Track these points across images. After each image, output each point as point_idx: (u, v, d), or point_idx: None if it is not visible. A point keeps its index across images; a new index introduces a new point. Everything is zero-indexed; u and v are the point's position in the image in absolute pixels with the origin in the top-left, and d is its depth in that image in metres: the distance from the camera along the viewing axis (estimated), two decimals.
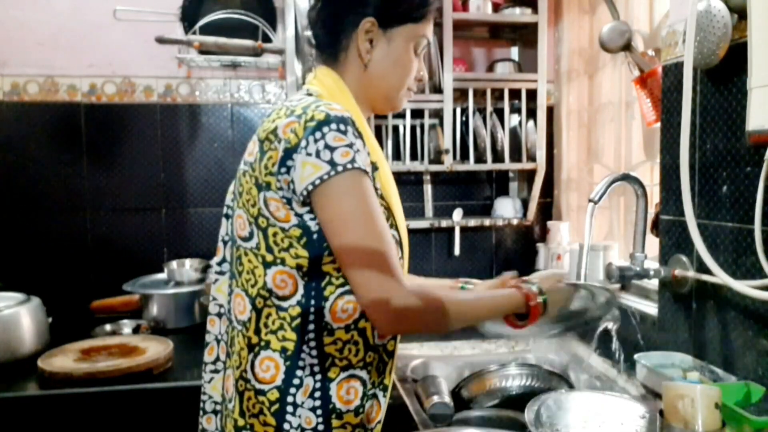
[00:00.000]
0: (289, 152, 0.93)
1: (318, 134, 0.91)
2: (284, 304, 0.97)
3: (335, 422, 0.98)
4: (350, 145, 0.92)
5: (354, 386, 1.00)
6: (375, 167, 0.99)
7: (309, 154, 0.91)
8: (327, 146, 0.91)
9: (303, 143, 0.92)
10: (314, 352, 0.97)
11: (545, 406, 1.19)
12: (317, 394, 0.97)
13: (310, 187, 0.91)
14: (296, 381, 0.97)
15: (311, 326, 0.97)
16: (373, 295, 0.92)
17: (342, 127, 0.92)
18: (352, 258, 0.92)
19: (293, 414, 0.97)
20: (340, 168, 0.91)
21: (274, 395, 0.97)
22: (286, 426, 0.97)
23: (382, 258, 0.92)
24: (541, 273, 1.27)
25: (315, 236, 0.95)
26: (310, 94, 1.03)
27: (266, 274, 0.97)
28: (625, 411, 1.21)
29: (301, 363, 0.97)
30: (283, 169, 0.93)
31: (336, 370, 0.99)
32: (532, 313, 1.08)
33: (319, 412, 0.97)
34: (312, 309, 0.97)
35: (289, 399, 0.97)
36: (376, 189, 0.98)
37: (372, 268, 0.92)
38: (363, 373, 1.01)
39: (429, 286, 1.25)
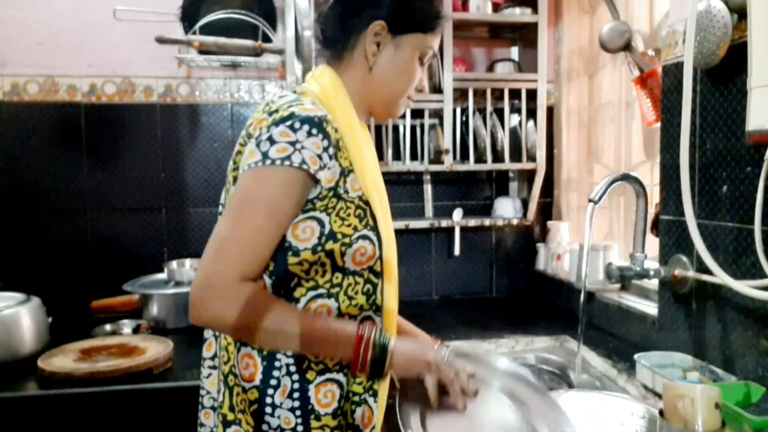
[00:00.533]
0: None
1: (273, 128, 0.93)
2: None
3: (314, 423, 0.98)
4: (293, 143, 0.92)
5: (331, 389, 1.00)
6: (347, 171, 0.99)
7: (256, 144, 0.93)
8: (270, 138, 0.93)
9: (257, 134, 0.94)
10: (289, 352, 0.98)
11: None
12: (296, 395, 0.97)
13: (241, 171, 0.94)
14: (273, 381, 0.97)
15: None
16: (195, 280, 0.91)
17: (297, 124, 0.93)
18: (213, 244, 0.92)
19: (272, 415, 0.97)
20: (268, 161, 0.91)
21: (254, 395, 0.98)
22: (264, 426, 0.97)
23: (226, 250, 0.91)
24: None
25: None
26: (295, 92, 1.04)
27: None
28: (625, 411, 1.21)
29: (277, 363, 0.97)
30: None
31: (313, 373, 0.99)
32: (352, 364, 0.96)
33: (298, 413, 0.97)
34: None
35: (268, 400, 0.97)
36: (340, 194, 0.97)
37: (212, 257, 0.91)
38: (339, 376, 1.00)
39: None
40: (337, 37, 1.09)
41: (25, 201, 2.21)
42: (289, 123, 0.93)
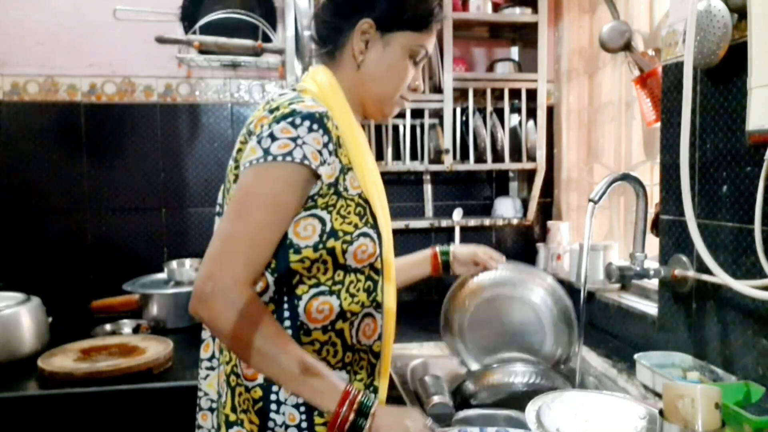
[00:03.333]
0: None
1: (275, 125, 0.93)
2: (262, 300, 0.98)
3: (317, 419, 0.98)
4: (294, 139, 0.92)
5: None
6: (346, 168, 0.99)
7: (258, 141, 0.93)
8: (271, 135, 0.93)
9: (258, 131, 0.94)
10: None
11: (546, 406, 1.19)
12: None
13: (242, 168, 0.93)
14: None
15: (287, 323, 0.98)
16: (198, 275, 0.91)
17: (297, 120, 0.93)
18: (212, 243, 0.92)
19: (277, 411, 0.97)
20: (270, 157, 0.91)
21: (258, 393, 0.98)
22: (270, 424, 0.97)
23: (231, 249, 0.91)
24: (462, 248, 1.26)
25: None
26: (294, 90, 1.05)
27: None
28: (625, 411, 1.21)
29: None
30: None
31: None
32: (331, 420, 0.92)
33: (302, 409, 0.97)
34: (285, 306, 0.98)
35: (273, 396, 0.97)
36: (340, 192, 0.98)
37: (216, 256, 0.91)
38: (342, 374, 1.01)
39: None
40: (328, 36, 1.09)
41: (25, 201, 2.21)
42: (290, 119, 0.93)
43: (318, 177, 0.95)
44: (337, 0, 1.08)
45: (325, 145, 0.95)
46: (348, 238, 0.98)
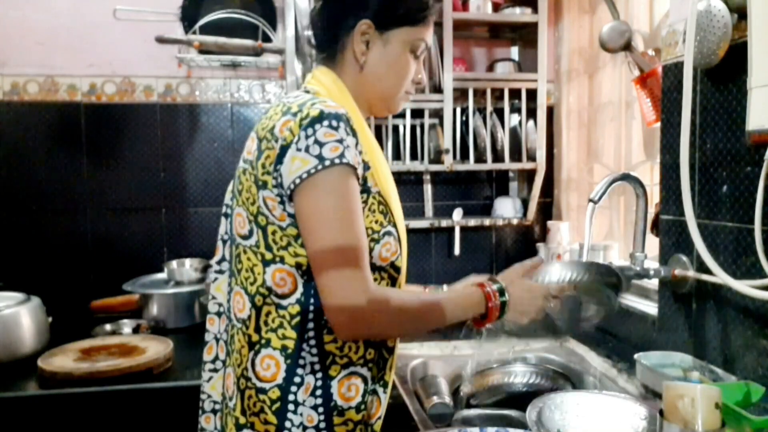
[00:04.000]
0: (284, 150, 0.93)
1: (310, 130, 0.92)
2: (284, 303, 0.98)
3: (337, 419, 0.98)
4: (340, 141, 0.92)
5: (355, 383, 1.00)
6: (367, 166, 0.99)
7: (299, 150, 0.92)
8: (317, 141, 0.92)
9: (296, 139, 0.93)
10: (314, 351, 0.98)
11: (546, 407, 1.19)
12: (318, 392, 0.98)
13: (297, 181, 0.92)
14: (297, 379, 0.97)
15: (311, 324, 0.98)
16: (334, 300, 0.91)
17: (334, 122, 0.93)
18: (322, 261, 0.92)
19: (294, 412, 0.97)
20: (327, 162, 0.91)
21: (276, 393, 0.97)
22: (287, 424, 0.97)
23: (350, 261, 0.92)
24: (516, 267, 1.21)
25: None
26: (307, 92, 1.04)
27: (265, 272, 0.98)
28: (625, 411, 1.21)
29: (301, 361, 0.97)
30: (278, 166, 0.94)
31: (337, 368, 0.99)
32: (489, 314, 1.07)
33: (320, 410, 0.97)
34: (311, 308, 0.98)
35: (291, 397, 0.97)
36: (368, 189, 0.99)
37: (338, 272, 0.91)
38: (364, 370, 1.01)
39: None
40: (327, 41, 1.09)
41: (25, 201, 2.21)
42: (326, 122, 0.93)
43: (358, 178, 0.96)
44: (330, 5, 1.09)
45: (356, 145, 0.95)
46: (376, 236, 0.98)
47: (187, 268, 2.14)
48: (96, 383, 1.53)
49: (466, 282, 1.22)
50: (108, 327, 1.97)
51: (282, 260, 0.97)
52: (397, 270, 1.04)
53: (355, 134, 0.95)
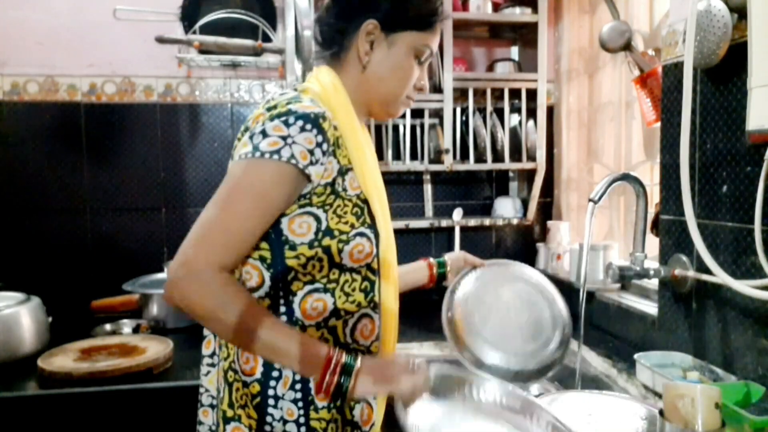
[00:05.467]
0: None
1: (268, 123, 0.94)
2: (255, 296, 0.98)
3: (313, 414, 0.98)
4: (285, 137, 0.93)
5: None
6: (346, 169, 1.00)
7: (250, 137, 0.94)
8: (263, 131, 0.93)
9: (253, 128, 0.95)
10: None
11: (546, 406, 1.19)
12: (298, 386, 0.98)
13: (231, 163, 0.95)
14: (275, 373, 0.98)
15: (284, 318, 0.98)
16: (175, 258, 0.92)
17: (291, 120, 0.93)
18: (195, 228, 0.93)
19: (275, 407, 0.98)
20: (258, 154, 0.92)
21: (256, 388, 0.98)
22: (268, 419, 0.98)
23: (207, 235, 0.92)
24: (451, 254, 1.20)
25: (272, 228, 0.96)
26: (296, 90, 1.05)
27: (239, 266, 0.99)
28: (625, 411, 1.21)
29: None
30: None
31: None
32: (316, 387, 0.93)
33: (300, 404, 0.98)
34: (281, 303, 0.98)
35: (270, 392, 0.98)
36: (338, 192, 0.98)
37: (191, 241, 0.92)
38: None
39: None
40: (332, 39, 1.09)
41: (25, 201, 2.21)
42: (284, 118, 0.94)
43: (307, 177, 0.95)
44: (340, 2, 1.08)
45: (319, 145, 0.95)
46: (344, 237, 0.98)
47: None
48: (96, 383, 1.52)
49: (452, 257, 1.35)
50: (108, 327, 1.97)
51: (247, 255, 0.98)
52: (374, 272, 1.03)
53: (323, 134, 0.95)
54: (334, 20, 1.09)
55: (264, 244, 0.97)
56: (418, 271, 1.38)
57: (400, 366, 0.94)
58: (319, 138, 0.94)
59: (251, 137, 0.94)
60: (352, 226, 0.99)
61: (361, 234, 1.00)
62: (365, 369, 0.92)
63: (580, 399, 1.25)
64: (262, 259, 0.98)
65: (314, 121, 0.94)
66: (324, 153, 0.95)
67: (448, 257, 1.41)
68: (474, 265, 1.41)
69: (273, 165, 0.92)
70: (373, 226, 1.02)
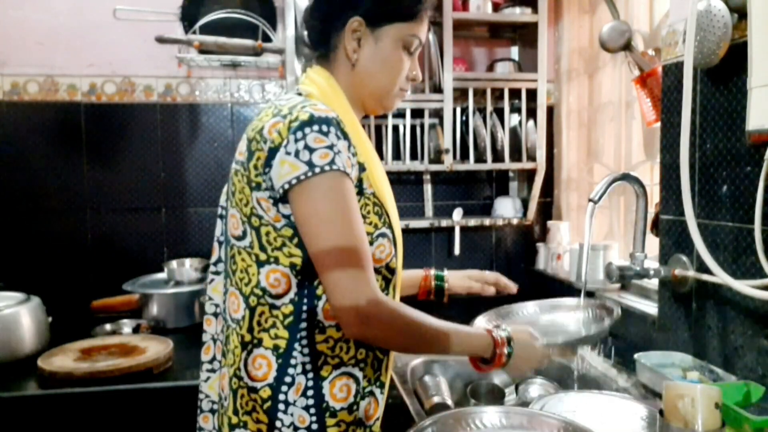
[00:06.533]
0: (273, 152, 0.93)
1: (299, 134, 0.92)
2: (277, 303, 0.98)
3: (329, 420, 0.98)
4: (330, 147, 0.92)
5: (347, 384, 1.00)
6: (362, 168, 0.99)
7: (288, 153, 0.92)
8: (307, 147, 0.91)
9: (284, 142, 0.92)
10: (306, 351, 0.98)
11: (547, 406, 1.19)
12: (310, 392, 0.98)
13: (286, 186, 0.92)
14: (288, 379, 0.97)
15: (303, 324, 0.98)
16: (343, 300, 0.91)
17: (324, 128, 0.92)
18: (326, 261, 0.92)
19: (285, 412, 0.97)
20: (317, 169, 0.91)
21: (267, 393, 0.97)
22: (278, 424, 0.97)
23: (355, 262, 0.92)
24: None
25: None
26: (299, 94, 1.04)
27: (259, 272, 0.98)
28: (625, 411, 1.21)
29: (293, 361, 0.97)
30: (267, 169, 0.94)
31: (328, 368, 0.99)
32: (495, 361, 1.07)
33: (312, 410, 0.97)
34: (305, 308, 0.98)
35: (281, 397, 0.97)
36: (363, 190, 0.99)
37: (344, 271, 0.91)
38: (356, 371, 1.01)
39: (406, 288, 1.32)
40: (320, 40, 1.09)
41: (25, 201, 2.21)
42: (316, 127, 0.92)
43: (352, 182, 0.96)
44: (321, 3, 1.08)
45: (348, 149, 0.95)
46: (369, 238, 0.98)
47: (187, 268, 2.14)
48: (96, 383, 1.53)
49: (467, 274, 1.40)
50: (108, 327, 1.97)
51: (276, 261, 0.97)
52: (392, 271, 1.04)
53: (346, 137, 0.95)
54: (318, 22, 1.08)
55: (296, 251, 0.96)
56: (412, 282, 1.40)
57: (539, 350, 1.13)
58: (347, 142, 0.95)
59: (296, 155, 0.91)
60: (376, 227, 1.00)
61: (383, 234, 1.01)
62: (518, 342, 1.09)
63: (580, 399, 1.25)
64: (293, 267, 0.97)
65: (338, 125, 0.94)
66: (352, 155, 0.96)
67: (451, 277, 1.43)
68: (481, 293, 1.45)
69: (335, 175, 0.92)
70: (390, 225, 1.02)
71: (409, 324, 0.98)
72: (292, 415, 0.97)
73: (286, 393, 0.97)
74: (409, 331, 0.98)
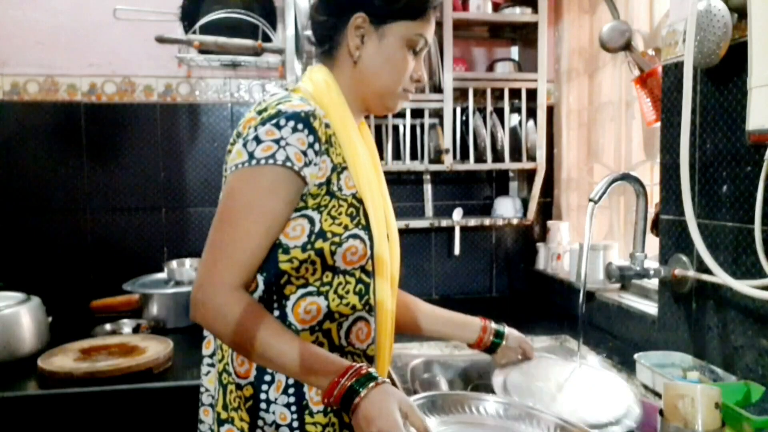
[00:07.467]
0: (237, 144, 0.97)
1: (260, 127, 0.94)
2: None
3: (308, 419, 0.98)
4: (278, 141, 0.92)
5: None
6: (340, 168, 0.99)
7: (243, 144, 0.94)
8: (256, 138, 0.93)
9: (246, 134, 0.95)
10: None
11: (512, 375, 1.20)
12: (291, 390, 0.98)
13: (227, 173, 0.95)
14: (267, 377, 0.98)
15: None
16: (193, 286, 0.93)
17: (282, 122, 0.93)
18: (206, 249, 0.94)
19: (267, 411, 0.97)
20: (254, 161, 0.92)
21: (249, 391, 0.98)
22: (260, 422, 0.97)
23: (219, 255, 0.93)
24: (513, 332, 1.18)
25: None
26: (286, 89, 1.05)
27: None
28: (595, 379, 1.21)
29: None
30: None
31: None
32: (329, 391, 0.87)
33: (293, 408, 0.97)
34: (275, 307, 0.98)
35: (263, 396, 0.97)
36: (334, 192, 0.98)
37: (205, 262, 0.93)
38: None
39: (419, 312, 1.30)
40: (324, 36, 1.08)
41: (25, 201, 2.21)
42: (275, 121, 0.93)
43: (303, 179, 0.94)
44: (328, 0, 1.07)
45: (311, 145, 0.94)
46: (337, 239, 0.97)
47: (187, 267, 2.14)
48: (96, 383, 1.52)
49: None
50: (108, 327, 1.97)
51: None
52: (368, 274, 1.02)
53: (313, 133, 0.94)
54: (323, 17, 1.08)
55: None
56: (468, 328, 1.29)
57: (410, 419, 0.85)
58: (311, 138, 0.94)
59: (245, 144, 0.94)
60: (346, 228, 0.98)
61: (354, 236, 0.99)
62: (378, 392, 0.85)
63: (551, 367, 1.25)
64: (258, 268, 0.97)
65: (305, 120, 0.94)
66: (317, 153, 0.95)
67: (509, 332, 1.29)
68: (525, 356, 1.31)
69: (269, 171, 0.92)
70: (367, 226, 1.01)
71: (239, 324, 0.90)
72: (273, 413, 0.97)
73: (267, 392, 0.98)
74: (239, 331, 0.90)
